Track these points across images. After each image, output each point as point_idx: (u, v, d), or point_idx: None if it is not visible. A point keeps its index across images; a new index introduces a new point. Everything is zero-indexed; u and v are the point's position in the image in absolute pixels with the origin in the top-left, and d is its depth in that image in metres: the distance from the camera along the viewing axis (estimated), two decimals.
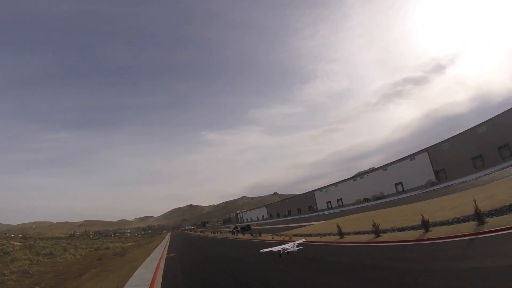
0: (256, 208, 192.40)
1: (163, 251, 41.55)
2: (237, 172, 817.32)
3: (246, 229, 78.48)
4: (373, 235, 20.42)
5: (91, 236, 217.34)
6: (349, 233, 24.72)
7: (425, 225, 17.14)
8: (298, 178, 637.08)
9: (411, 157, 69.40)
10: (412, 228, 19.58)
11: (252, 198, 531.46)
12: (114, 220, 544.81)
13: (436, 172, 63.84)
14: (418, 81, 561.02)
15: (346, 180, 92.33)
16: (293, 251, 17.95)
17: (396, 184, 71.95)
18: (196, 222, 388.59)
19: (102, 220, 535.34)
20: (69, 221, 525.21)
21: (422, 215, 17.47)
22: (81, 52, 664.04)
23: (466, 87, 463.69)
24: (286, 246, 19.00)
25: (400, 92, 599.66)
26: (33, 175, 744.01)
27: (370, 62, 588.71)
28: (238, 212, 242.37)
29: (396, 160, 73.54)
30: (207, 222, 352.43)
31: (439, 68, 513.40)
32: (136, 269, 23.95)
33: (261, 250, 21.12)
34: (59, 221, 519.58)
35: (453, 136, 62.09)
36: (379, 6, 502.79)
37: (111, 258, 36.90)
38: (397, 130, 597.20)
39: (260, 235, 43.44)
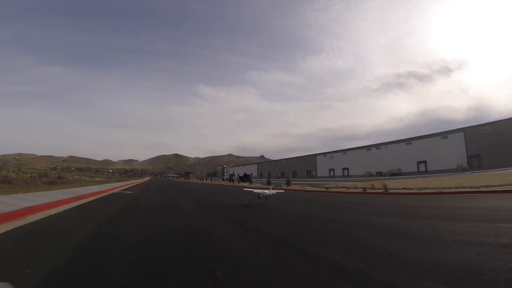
0: (246, 165, 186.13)
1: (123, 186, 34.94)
2: (227, 130, 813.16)
3: (244, 178, 72.30)
4: None
5: (72, 170, 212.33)
6: None
7: None
8: (285, 147, 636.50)
9: (443, 134, 62.04)
10: None
11: (238, 157, 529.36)
12: (99, 159, 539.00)
13: (469, 157, 57.04)
14: (422, 78, 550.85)
15: (358, 148, 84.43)
16: (269, 195, 19.00)
17: (419, 163, 64.93)
18: (179, 171, 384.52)
19: (86, 157, 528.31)
20: (54, 155, 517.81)
21: None
22: None
23: (467, 95, 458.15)
24: (264, 191, 19.62)
25: (402, 84, 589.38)
26: (21, 107, 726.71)
27: (378, 47, 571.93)
28: (225, 166, 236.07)
29: (425, 135, 66.12)
30: (191, 173, 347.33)
31: (445, 70, 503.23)
32: None
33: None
34: (43, 155, 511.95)
35: (497, 121, 55.10)
36: None
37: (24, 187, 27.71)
38: (390, 120, 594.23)
39: (288, 185, 38.40)
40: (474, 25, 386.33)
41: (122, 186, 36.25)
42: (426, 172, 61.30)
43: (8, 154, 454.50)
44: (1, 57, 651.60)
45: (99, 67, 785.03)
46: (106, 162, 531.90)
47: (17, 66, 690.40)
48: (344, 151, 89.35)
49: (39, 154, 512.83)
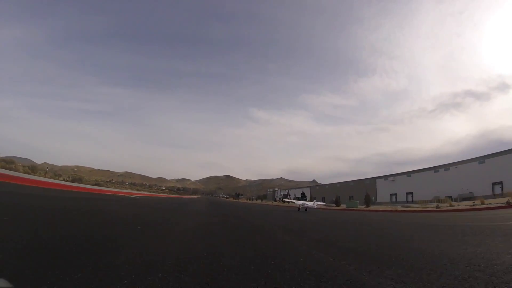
0: (298, 188, 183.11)
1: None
2: (279, 153, 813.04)
3: (302, 199, 70.62)
4: None
5: (126, 184, 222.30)
6: None
7: None
8: (337, 172, 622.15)
9: None
10: None
11: (290, 181, 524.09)
12: (153, 176, 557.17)
13: None
14: (479, 96, 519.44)
15: (423, 170, 79.36)
16: (311, 208, 18.01)
17: (494, 184, 59.08)
18: (230, 192, 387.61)
19: (141, 174, 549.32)
20: (111, 170, 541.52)
21: None
22: (146, 14, 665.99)
23: None
24: (306, 203, 18.71)
25: (459, 104, 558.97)
26: (84, 123, 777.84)
27: (432, 66, 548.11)
28: (276, 189, 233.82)
29: (500, 152, 60.07)
30: (241, 195, 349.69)
31: (503, 87, 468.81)
32: None
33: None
34: (100, 169, 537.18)
35: None
36: (450, 8, 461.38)
37: None
38: (447, 143, 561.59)
39: (368, 205, 37.07)
40: None
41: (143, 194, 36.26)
42: (502, 195, 56.01)
43: (67, 166, 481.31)
44: (68, 76, 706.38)
45: (158, 89, 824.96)
46: (160, 179, 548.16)
47: (82, 85, 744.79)
48: (408, 173, 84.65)
49: (96, 167, 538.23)
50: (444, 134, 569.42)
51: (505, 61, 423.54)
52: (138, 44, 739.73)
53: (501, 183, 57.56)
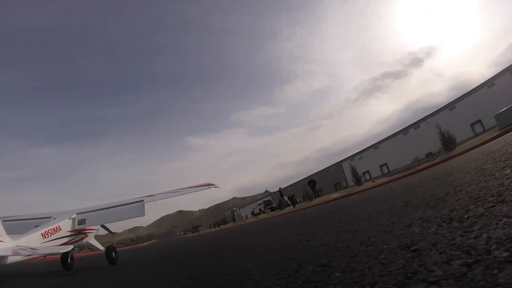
0: (258, 200, 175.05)
1: None
2: (225, 175, 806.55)
3: (312, 184, 61.98)
4: None
5: None
6: None
7: None
8: (286, 177, 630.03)
9: (489, 83, 50.65)
10: None
11: (243, 198, 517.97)
12: (102, 234, 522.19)
13: None
14: (397, 75, 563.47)
15: (390, 137, 75.46)
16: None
17: (472, 124, 54.76)
18: (187, 227, 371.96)
19: None
20: None
21: None
22: (58, 66, 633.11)
23: (444, 78, 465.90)
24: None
25: (379, 86, 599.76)
26: (18, 192, 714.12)
27: (348, 60, 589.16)
28: (234, 209, 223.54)
29: (469, 92, 55.08)
30: (199, 226, 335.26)
31: (416, 62, 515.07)
32: None
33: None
34: None
35: None
36: (354, 6, 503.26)
37: None
38: (378, 123, 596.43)
39: None
40: (431, 10, 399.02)
41: None
42: (484, 131, 52.47)
43: None
44: None
45: (85, 141, 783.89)
46: (110, 235, 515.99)
47: (6, 151, 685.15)
48: (375, 145, 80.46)
49: None
50: (373, 116, 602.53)
51: (412, 40, 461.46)
52: (56, 98, 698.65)
53: (479, 121, 54.29)
